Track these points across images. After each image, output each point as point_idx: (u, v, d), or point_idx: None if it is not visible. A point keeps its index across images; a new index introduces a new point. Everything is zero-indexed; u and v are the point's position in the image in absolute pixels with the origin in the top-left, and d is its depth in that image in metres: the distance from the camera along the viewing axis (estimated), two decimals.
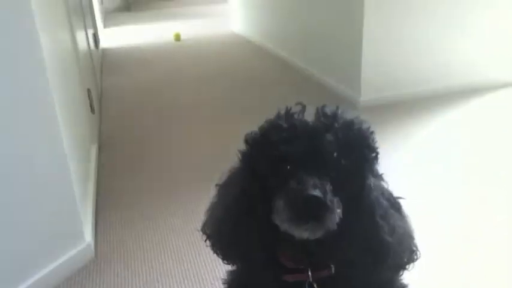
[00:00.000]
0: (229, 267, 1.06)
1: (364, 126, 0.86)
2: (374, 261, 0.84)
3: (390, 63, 3.18)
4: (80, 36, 2.97)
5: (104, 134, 3.02)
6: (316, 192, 0.75)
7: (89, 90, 2.63)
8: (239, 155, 0.90)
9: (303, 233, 0.79)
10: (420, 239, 1.22)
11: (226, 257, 0.93)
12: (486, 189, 2.12)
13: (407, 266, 0.90)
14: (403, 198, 0.94)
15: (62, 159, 1.59)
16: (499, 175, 2.25)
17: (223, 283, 1.07)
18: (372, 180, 0.86)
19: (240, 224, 0.88)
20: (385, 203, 0.87)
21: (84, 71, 2.80)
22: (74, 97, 2.21)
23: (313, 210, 0.76)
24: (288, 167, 0.81)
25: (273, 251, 0.91)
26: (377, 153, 0.87)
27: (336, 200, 0.78)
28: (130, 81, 4.27)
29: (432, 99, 3.21)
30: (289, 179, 0.79)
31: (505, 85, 3.40)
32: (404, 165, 2.36)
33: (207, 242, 0.94)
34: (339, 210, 0.79)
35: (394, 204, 0.90)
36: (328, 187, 0.78)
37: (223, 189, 0.94)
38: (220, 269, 1.64)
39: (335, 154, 0.80)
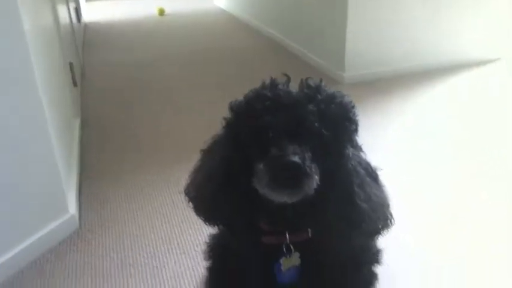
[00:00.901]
0: (212, 231, 1.09)
1: (346, 99, 0.89)
2: (349, 226, 0.88)
3: (374, 41, 3.20)
4: (62, 9, 2.92)
5: (87, 108, 3.00)
6: (296, 159, 0.78)
7: (71, 64, 2.60)
8: (223, 122, 0.92)
9: (281, 198, 0.83)
10: (408, 216, 1.27)
11: (208, 220, 0.96)
12: (473, 166, 2.16)
13: (381, 232, 0.93)
14: (380, 169, 0.97)
15: (44, 130, 1.59)
16: (486, 151, 2.29)
17: (207, 246, 1.10)
18: (350, 150, 0.89)
19: (221, 188, 0.90)
20: (362, 172, 0.90)
21: (66, 44, 2.76)
22: (55, 70, 2.19)
23: (292, 175, 0.79)
24: (271, 135, 0.83)
25: (253, 216, 0.94)
26: (357, 126, 0.90)
27: (314, 166, 0.81)
28: (113, 55, 4.21)
29: (417, 75, 3.25)
30: (271, 146, 0.81)
31: (489, 61, 3.45)
32: (389, 142, 2.40)
33: (190, 204, 0.97)
34: (316, 177, 0.82)
35: (371, 173, 0.93)
36: (308, 155, 0.81)
37: (207, 154, 0.96)
38: (204, 234, 1.67)
39: (316, 124, 0.82)
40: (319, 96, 0.86)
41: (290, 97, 0.85)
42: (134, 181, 2.12)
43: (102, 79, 3.61)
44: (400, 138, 2.45)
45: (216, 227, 0.98)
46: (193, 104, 2.97)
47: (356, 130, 0.91)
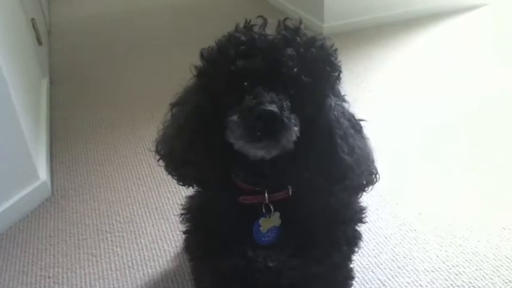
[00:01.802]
0: (188, 193, 1.03)
1: (328, 42, 0.82)
2: (331, 181, 0.83)
3: None
4: None
5: (55, 68, 2.85)
6: (272, 107, 0.72)
7: (33, 20, 2.43)
8: (194, 71, 0.84)
9: (257, 152, 0.76)
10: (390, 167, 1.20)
11: (180, 178, 0.90)
12: (457, 112, 2.13)
13: (365, 188, 0.89)
14: (364, 120, 0.91)
15: (4, 92, 1.48)
16: (471, 96, 2.26)
17: (183, 208, 1.05)
18: (332, 99, 0.82)
19: (193, 142, 0.84)
20: (345, 123, 0.84)
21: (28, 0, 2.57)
22: (15, 27, 2.03)
23: (269, 126, 0.72)
24: (245, 83, 0.76)
25: (229, 173, 0.88)
26: (339, 72, 0.83)
27: (293, 116, 0.75)
28: (82, 11, 3.99)
29: (399, 24, 3.15)
30: (246, 95, 0.74)
31: (475, 7, 3.36)
32: (372, 93, 2.34)
33: (160, 162, 0.90)
34: (296, 128, 0.76)
35: (354, 125, 0.87)
36: (286, 104, 0.74)
37: (177, 107, 0.89)
38: (182, 197, 1.62)
39: (295, 70, 0.75)
40: (298, 39, 0.78)
41: (266, 40, 0.78)
42: (108, 141, 2.03)
43: (72, 35, 3.43)
44: (383, 88, 2.39)
45: (191, 187, 0.92)
46: (171, 60, 2.84)
47: (339, 77, 0.84)
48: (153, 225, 1.54)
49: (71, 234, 1.54)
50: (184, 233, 1.02)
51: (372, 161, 0.89)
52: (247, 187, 0.88)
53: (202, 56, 0.83)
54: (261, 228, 0.90)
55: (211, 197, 0.94)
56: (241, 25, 0.82)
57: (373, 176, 0.88)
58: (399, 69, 2.60)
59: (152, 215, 1.59)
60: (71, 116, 2.29)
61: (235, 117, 0.74)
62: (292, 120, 0.75)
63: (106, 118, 2.23)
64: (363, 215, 1.02)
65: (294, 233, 0.91)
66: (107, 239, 1.50)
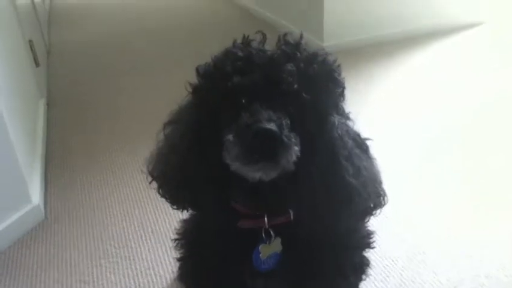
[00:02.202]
0: (184, 217, 0.97)
1: (330, 58, 0.78)
2: (337, 206, 0.77)
3: (353, 8, 3.06)
4: None
5: (53, 90, 2.83)
6: (270, 126, 0.67)
7: (31, 42, 2.41)
8: (189, 89, 0.80)
9: (255, 174, 0.72)
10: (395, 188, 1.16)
11: (174, 201, 0.85)
12: (458, 127, 2.09)
13: (373, 212, 0.83)
14: (370, 139, 0.86)
15: None
16: (470, 112, 2.22)
17: (177, 233, 0.99)
18: (335, 117, 0.78)
19: (188, 162, 0.79)
20: (350, 142, 0.79)
21: (26, 21, 2.56)
22: (12, 48, 2.01)
23: (266, 146, 0.68)
24: (243, 101, 0.71)
25: (226, 196, 0.82)
26: (343, 89, 0.78)
27: (293, 135, 0.70)
28: (83, 32, 4.00)
29: (398, 42, 3.13)
30: (242, 112, 0.70)
31: (472, 26, 3.35)
32: (373, 111, 2.30)
33: (153, 184, 0.85)
34: (296, 148, 0.71)
35: (360, 144, 0.82)
36: (286, 122, 0.70)
37: (170, 126, 0.84)
38: (178, 220, 1.55)
39: (295, 86, 0.71)
40: (299, 54, 0.74)
41: (264, 56, 0.74)
42: (105, 164, 1.98)
43: (71, 57, 3.42)
44: (383, 106, 2.35)
45: (185, 210, 0.87)
46: (171, 80, 2.81)
47: (342, 94, 0.79)
48: (149, 250, 1.48)
49: (63, 259, 1.47)
50: (178, 260, 0.96)
51: (380, 183, 0.84)
52: (245, 211, 0.83)
53: (198, 72, 0.79)
54: (260, 255, 0.84)
55: (208, 221, 0.88)
56: (239, 41, 0.78)
57: (381, 198, 0.83)
58: (398, 87, 2.57)
59: (148, 239, 1.53)
60: (68, 138, 2.24)
61: (230, 136, 0.69)
62: (292, 140, 0.70)
63: (103, 140, 2.19)
64: (371, 240, 0.96)
65: (296, 260, 0.85)
66: (100, 264, 1.44)
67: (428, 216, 1.55)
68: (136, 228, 1.58)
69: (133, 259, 1.45)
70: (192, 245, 0.95)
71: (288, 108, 0.72)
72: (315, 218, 0.81)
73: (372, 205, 0.82)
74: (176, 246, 0.96)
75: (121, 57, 3.34)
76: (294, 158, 0.71)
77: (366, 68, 2.80)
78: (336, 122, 0.78)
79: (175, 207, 0.85)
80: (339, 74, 0.78)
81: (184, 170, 0.79)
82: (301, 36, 0.78)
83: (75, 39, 3.84)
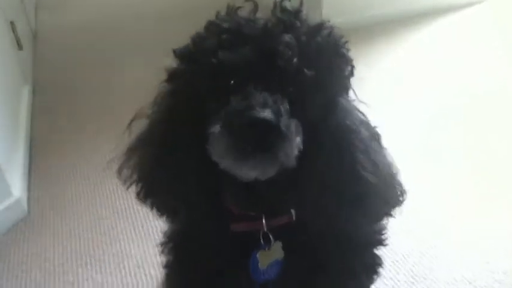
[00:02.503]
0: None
1: (336, 31, 0.65)
2: (349, 207, 0.66)
3: None
4: None
5: (39, 76, 2.68)
6: (266, 113, 0.55)
7: (12, 24, 2.27)
8: (166, 75, 0.67)
9: (249, 172, 0.60)
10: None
11: (156, 206, 0.73)
12: (456, 108, 1.98)
13: (391, 212, 0.72)
14: (378, 127, 0.74)
15: None
16: (470, 91, 2.12)
17: (164, 236, 0.87)
18: (346, 100, 0.65)
19: (168, 161, 0.67)
20: (365, 132, 0.67)
21: (7, 2, 2.41)
22: None
23: (262, 139, 0.56)
24: (232, 82, 0.59)
25: (216, 195, 0.70)
26: (352, 67, 0.66)
27: (294, 124, 0.58)
28: (70, 18, 3.82)
29: (397, 21, 2.99)
30: (232, 96, 0.58)
31: (473, 4, 3.21)
32: (367, 93, 2.17)
33: (134, 188, 0.73)
34: (298, 139, 0.59)
35: (373, 134, 0.70)
36: (285, 107, 0.58)
37: (149, 119, 0.72)
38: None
39: (295, 60, 0.58)
40: (299, 24, 0.62)
41: (256, 26, 0.61)
42: (93, 154, 1.85)
43: (59, 42, 3.25)
44: (382, 86, 2.23)
45: (168, 215, 0.75)
46: (164, 68, 2.67)
47: (351, 74, 0.67)
48: (138, 247, 1.37)
49: (46, 259, 1.36)
50: (164, 267, 0.85)
51: (397, 179, 0.72)
52: (239, 211, 0.71)
53: (174, 53, 0.66)
54: (259, 264, 0.72)
55: (194, 227, 0.77)
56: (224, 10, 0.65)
57: (400, 195, 0.71)
58: (398, 65, 2.46)
59: (139, 235, 1.42)
60: (54, 126, 2.11)
61: (217, 128, 0.57)
62: (293, 129, 0.58)
63: (91, 127, 2.05)
64: (383, 236, 0.84)
65: (299, 266, 0.74)
66: (86, 263, 1.33)
67: (430, 203, 1.44)
68: (125, 224, 1.47)
69: (122, 257, 1.34)
70: (180, 250, 0.83)
71: (286, 88, 0.60)
72: (323, 220, 0.69)
73: (391, 205, 0.70)
74: (162, 251, 0.85)
75: (112, 42, 3.17)
76: (296, 151, 0.59)
77: (365, 47, 2.67)
78: (347, 106, 0.66)
79: (158, 213, 0.74)
80: (348, 50, 0.66)
81: (163, 171, 0.67)
82: (301, 3, 0.65)
83: (64, 23, 3.66)
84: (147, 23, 3.56)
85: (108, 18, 3.68)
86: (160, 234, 1.35)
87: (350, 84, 0.68)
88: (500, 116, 1.92)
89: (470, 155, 1.68)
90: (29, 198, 1.62)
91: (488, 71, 2.32)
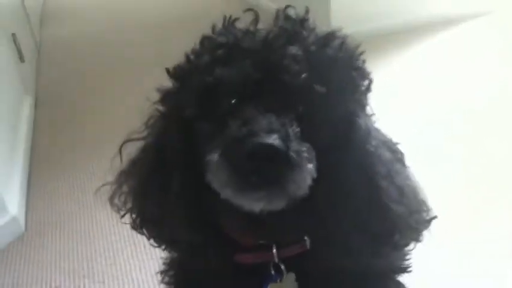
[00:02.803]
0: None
1: (349, 41, 0.58)
2: (375, 242, 0.58)
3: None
4: None
5: (42, 89, 2.64)
6: (272, 139, 0.48)
7: (14, 35, 2.23)
8: (159, 96, 0.61)
9: (253, 205, 0.53)
10: None
11: (152, 237, 0.67)
12: (461, 120, 1.90)
13: (420, 238, 0.64)
14: (399, 144, 0.67)
15: None
16: (474, 105, 2.03)
17: (164, 264, 0.80)
18: (365, 120, 0.58)
19: (159, 192, 0.60)
20: (387, 154, 0.59)
21: (9, 14, 2.38)
22: None
23: (268, 168, 0.49)
24: (231, 102, 0.52)
25: (218, 224, 0.63)
26: (370, 81, 0.59)
27: (306, 149, 0.51)
28: (76, 31, 3.80)
29: (405, 32, 2.92)
30: (230, 120, 0.51)
31: (481, 15, 3.14)
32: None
33: (128, 218, 0.66)
34: (310, 166, 0.52)
35: (395, 154, 0.62)
36: (293, 130, 0.51)
37: (142, 143, 0.66)
38: None
39: (303, 76, 0.51)
40: (305, 33, 0.55)
41: (256, 38, 0.55)
42: (94, 169, 1.79)
43: (63, 55, 3.23)
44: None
45: (166, 245, 0.68)
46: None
47: (368, 88, 0.59)
48: (140, 269, 1.29)
49: (42, 280, 1.29)
50: None
51: (424, 200, 0.65)
52: (246, 240, 0.64)
53: (168, 72, 0.60)
54: None
55: (196, 254, 0.69)
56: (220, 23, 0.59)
57: (428, 219, 0.64)
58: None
59: (140, 255, 1.34)
60: (55, 140, 2.06)
61: (215, 156, 0.50)
62: (305, 155, 0.51)
63: (92, 143, 1.98)
64: (407, 261, 0.76)
65: None
66: (84, 285, 1.25)
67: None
68: (127, 242, 1.39)
69: (122, 279, 1.26)
70: (181, 280, 0.76)
71: (295, 108, 0.53)
72: (346, 258, 0.62)
73: (420, 233, 0.63)
74: (163, 279, 0.77)
75: (117, 54, 3.13)
76: (309, 180, 0.52)
77: (375, 58, 2.60)
78: (367, 127, 0.58)
79: (155, 244, 0.67)
80: (364, 62, 0.59)
81: (154, 203, 0.61)
82: (307, 11, 0.58)
83: (69, 36, 3.64)
84: (152, 36, 3.52)
85: (112, 32, 3.65)
86: (162, 256, 1.28)
87: (367, 101, 0.61)
88: (492, 131, 1.82)
89: (463, 169, 1.59)
90: (26, 215, 1.55)
91: (482, 86, 2.22)
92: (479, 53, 2.62)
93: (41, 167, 1.84)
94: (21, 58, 2.28)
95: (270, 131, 0.48)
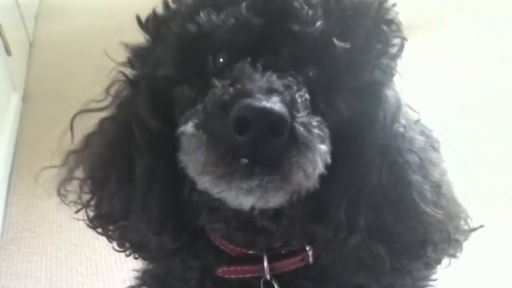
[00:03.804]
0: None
1: None
2: (406, 261, 0.45)
3: None
4: None
5: (31, 83, 2.53)
6: (271, 103, 0.34)
7: (0, 27, 2.11)
8: (127, 56, 0.48)
9: (242, 199, 0.39)
10: None
11: (115, 238, 0.56)
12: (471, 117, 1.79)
13: (457, 253, 0.51)
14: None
15: None
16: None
17: (136, 277, 0.68)
18: (393, 93, 0.45)
19: (119, 183, 0.49)
20: (420, 139, 0.46)
21: None
22: None
23: (264, 146, 0.35)
24: (220, 60, 0.39)
25: (195, 223, 0.51)
26: (403, 39, 0.45)
27: (317, 124, 0.38)
28: (71, 27, 3.68)
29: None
30: (216, 80, 0.38)
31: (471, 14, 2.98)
32: None
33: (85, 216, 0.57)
34: (324, 148, 0.38)
35: (431, 140, 0.49)
36: (302, 96, 0.37)
37: (101, 117, 0.53)
38: None
39: (318, 24, 0.38)
40: None
41: None
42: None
43: (56, 51, 3.11)
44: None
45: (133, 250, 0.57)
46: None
47: (400, 52, 0.45)
48: (124, 280, 1.16)
49: None
50: None
51: (460, 203, 0.52)
52: (231, 248, 0.51)
53: (139, 22, 0.48)
54: None
55: (173, 266, 0.57)
56: None
57: (471, 229, 0.51)
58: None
59: (124, 264, 1.21)
60: (41, 137, 1.93)
61: (189, 127, 0.37)
62: (316, 131, 0.38)
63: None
64: (433, 283, 0.62)
65: None
66: None
67: None
68: (110, 251, 1.26)
69: None
70: None
71: (305, 69, 0.40)
72: (356, 272, 0.49)
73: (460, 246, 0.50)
74: None
75: (110, 52, 3.01)
76: (320, 167, 0.39)
77: None
78: (397, 101, 0.45)
79: (120, 249, 0.56)
80: (396, 16, 0.45)
81: (112, 194, 0.50)
82: None
83: (63, 33, 3.53)
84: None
85: (108, 28, 3.53)
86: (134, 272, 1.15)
87: (396, 69, 0.47)
88: (492, 132, 1.72)
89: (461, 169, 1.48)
90: (4, 217, 1.42)
91: (482, 85, 2.09)
92: (478, 51, 2.49)
93: (24, 166, 1.73)
94: (8, 51, 2.15)
95: (269, 92, 0.35)
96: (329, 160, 0.40)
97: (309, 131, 0.37)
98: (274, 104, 0.34)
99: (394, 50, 0.44)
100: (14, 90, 2.17)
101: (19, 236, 1.35)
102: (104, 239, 1.27)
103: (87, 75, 2.63)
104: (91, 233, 1.32)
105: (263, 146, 0.35)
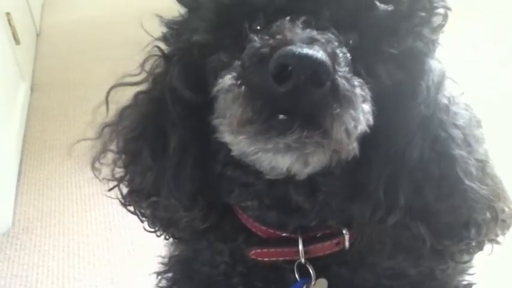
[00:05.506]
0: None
1: None
2: (447, 235, 0.43)
3: None
4: None
5: (39, 73, 2.51)
6: (313, 50, 0.32)
7: (8, 15, 2.09)
8: (163, 30, 0.46)
9: (278, 160, 0.38)
10: None
11: (146, 220, 0.55)
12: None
13: (500, 238, 0.49)
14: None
15: None
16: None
17: (163, 263, 0.67)
18: (436, 64, 0.43)
19: (151, 157, 0.48)
20: (464, 113, 0.45)
21: None
22: None
23: (305, 100, 0.34)
24: (258, 27, 0.38)
25: (227, 204, 0.50)
26: (447, 9, 0.42)
27: (358, 82, 0.37)
28: (79, 15, 3.65)
29: None
30: (254, 36, 0.37)
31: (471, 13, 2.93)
32: None
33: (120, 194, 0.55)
34: (366, 107, 0.37)
35: (474, 117, 0.48)
36: (343, 52, 0.36)
37: (136, 91, 0.52)
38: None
39: None
40: None
41: None
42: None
43: (64, 40, 3.09)
44: None
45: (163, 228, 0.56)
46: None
47: (445, 22, 0.43)
48: (138, 269, 1.15)
49: (27, 283, 1.15)
50: None
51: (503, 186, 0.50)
52: (263, 230, 0.49)
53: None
54: None
55: (201, 250, 0.56)
56: None
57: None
58: None
59: (137, 255, 1.20)
60: (50, 127, 1.92)
61: (227, 79, 0.36)
62: (359, 90, 0.36)
63: (89, 132, 1.85)
64: (470, 276, 0.60)
65: None
66: None
67: None
68: (123, 240, 1.25)
69: (116, 281, 1.13)
70: (182, 284, 0.62)
71: (346, 33, 0.38)
72: (393, 256, 0.47)
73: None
74: (159, 282, 0.64)
75: (119, 41, 2.98)
76: (364, 125, 0.37)
77: None
78: (441, 71, 0.43)
79: (151, 228, 0.55)
80: None
81: (144, 168, 0.49)
82: None
83: (71, 21, 3.50)
84: (157, 23, 3.37)
85: (115, 18, 3.50)
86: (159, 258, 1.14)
87: (438, 41, 0.45)
88: (491, 131, 1.67)
89: None
90: (14, 209, 1.41)
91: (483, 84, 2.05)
92: (485, 50, 2.45)
93: (33, 155, 1.72)
94: (17, 40, 2.14)
95: (311, 42, 0.33)
96: (371, 121, 0.38)
97: (352, 85, 0.36)
98: (317, 51, 0.32)
99: (437, 19, 0.42)
100: (22, 80, 2.16)
101: (30, 226, 1.35)
102: (115, 229, 1.28)
103: (95, 65, 2.62)
104: (103, 224, 1.32)
105: (303, 98, 0.33)
